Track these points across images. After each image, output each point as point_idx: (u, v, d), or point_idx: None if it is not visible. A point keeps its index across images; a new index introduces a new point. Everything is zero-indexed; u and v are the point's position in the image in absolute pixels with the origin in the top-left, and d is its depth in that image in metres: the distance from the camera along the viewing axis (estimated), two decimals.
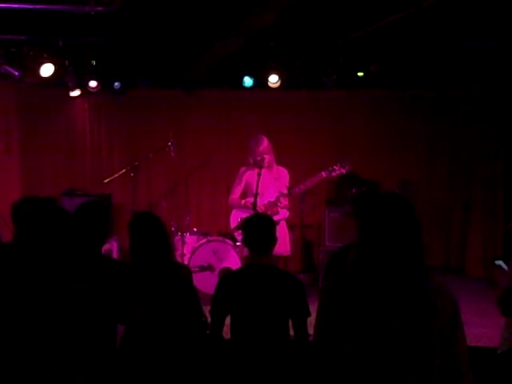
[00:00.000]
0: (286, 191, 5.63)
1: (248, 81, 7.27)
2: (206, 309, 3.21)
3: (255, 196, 5.46)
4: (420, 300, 1.96)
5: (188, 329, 3.04)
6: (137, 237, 3.20)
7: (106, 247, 7.05)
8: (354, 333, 1.96)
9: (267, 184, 5.64)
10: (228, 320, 3.20)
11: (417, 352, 1.93)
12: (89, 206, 3.29)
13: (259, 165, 5.52)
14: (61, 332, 2.34)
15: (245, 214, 5.06)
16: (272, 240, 3.23)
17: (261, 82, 7.16)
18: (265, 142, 5.62)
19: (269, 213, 5.30)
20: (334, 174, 5.68)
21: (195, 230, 6.80)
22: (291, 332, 3.18)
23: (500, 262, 3.79)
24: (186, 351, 3.00)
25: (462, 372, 2.02)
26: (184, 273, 3.45)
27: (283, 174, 5.75)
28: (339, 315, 1.99)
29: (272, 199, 5.64)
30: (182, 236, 6.56)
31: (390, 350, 1.93)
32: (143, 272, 3.08)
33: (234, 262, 6.19)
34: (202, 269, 6.23)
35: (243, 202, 5.74)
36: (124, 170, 6.82)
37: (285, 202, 5.63)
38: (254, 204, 5.45)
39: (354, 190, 7.06)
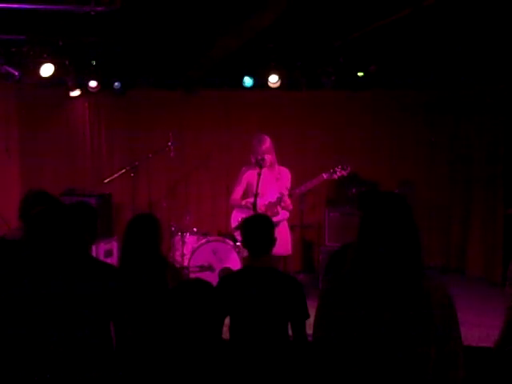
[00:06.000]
0: (286, 192, 5.62)
1: (248, 81, 7.26)
2: None
3: (255, 196, 5.46)
4: (417, 297, 1.98)
5: (184, 331, 3.03)
6: (131, 238, 3.25)
7: (106, 247, 7.07)
8: (353, 329, 1.98)
9: (268, 184, 5.64)
10: (227, 320, 3.20)
11: (414, 348, 1.95)
12: (76, 208, 3.30)
13: (260, 164, 5.52)
14: (59, 332, 2.34)
15: (245, 215, 5.06)
16: (271, 241, 3.21)
17: (261, 82, 7.14)
18: (267, 142, 5.62)
19: (269, 213, 5.30)
20: (335, 175, 5.67)
21: (195, 229, 6.79)
22: (290, 333, 3.18)
23: None
24: (183, 352, 2.99)
25: (456, 368, 2.02)
26: (170, 273, 3.40)
27: (285, 175, 5.74)
28: (338, 312, 2.01)
29: (273, 200, 5.64)
30: (182, 236, 6.56)
31: (387, 346, 1.96)
32: (130, 273, 3.12)
33: (234, 262, 6.18)
34: (202, 269, 6.23)
35: (244, 202, 5.74)
36: (124, 170, 6.82)
37: (288, 201, 5.62)
38: (254, 204, 5.45)
39: (354, 191, 7.07)
